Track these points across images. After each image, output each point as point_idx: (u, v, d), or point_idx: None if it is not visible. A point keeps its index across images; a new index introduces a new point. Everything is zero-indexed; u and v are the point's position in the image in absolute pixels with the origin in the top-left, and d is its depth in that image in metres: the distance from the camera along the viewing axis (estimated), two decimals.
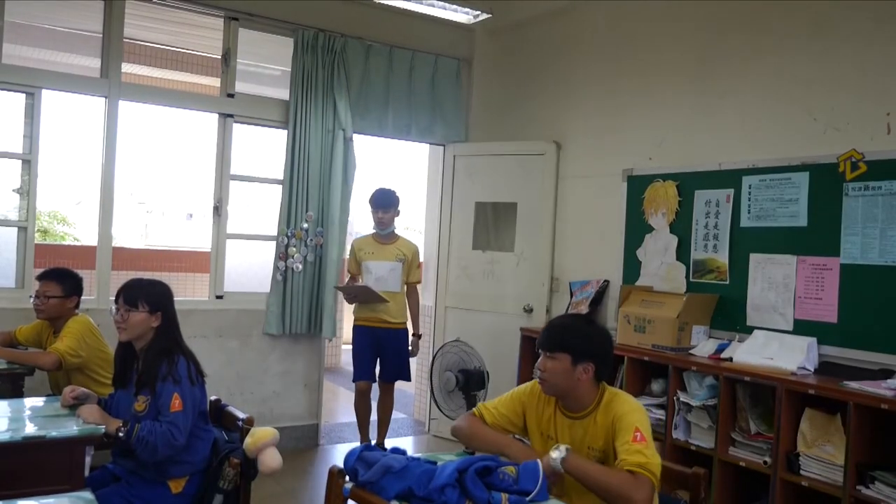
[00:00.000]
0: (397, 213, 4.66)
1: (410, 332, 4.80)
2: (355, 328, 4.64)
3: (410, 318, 4.80)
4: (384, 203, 4.61)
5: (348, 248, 5.05)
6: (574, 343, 2.18)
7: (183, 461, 2.53)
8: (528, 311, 5.00)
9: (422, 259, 6.05)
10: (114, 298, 2.60)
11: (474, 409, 2.41)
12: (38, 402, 2.75)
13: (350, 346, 4.80)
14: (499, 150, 5.31)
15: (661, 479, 2.01)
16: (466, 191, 5.43)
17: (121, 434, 2.42)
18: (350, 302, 4.68)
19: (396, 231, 4.70)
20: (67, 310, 3.48)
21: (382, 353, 4.61)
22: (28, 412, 2.61)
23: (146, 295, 2.55)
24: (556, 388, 2.20)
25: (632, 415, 2.09)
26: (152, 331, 2.56)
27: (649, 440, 2.03)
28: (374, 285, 4.49)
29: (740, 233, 3.78)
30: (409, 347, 4.72)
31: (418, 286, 4.82)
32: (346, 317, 5.67)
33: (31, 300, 3.48)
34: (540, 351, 2.25)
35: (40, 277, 3.49)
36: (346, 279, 4.86)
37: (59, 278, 3.46)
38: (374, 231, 4.67)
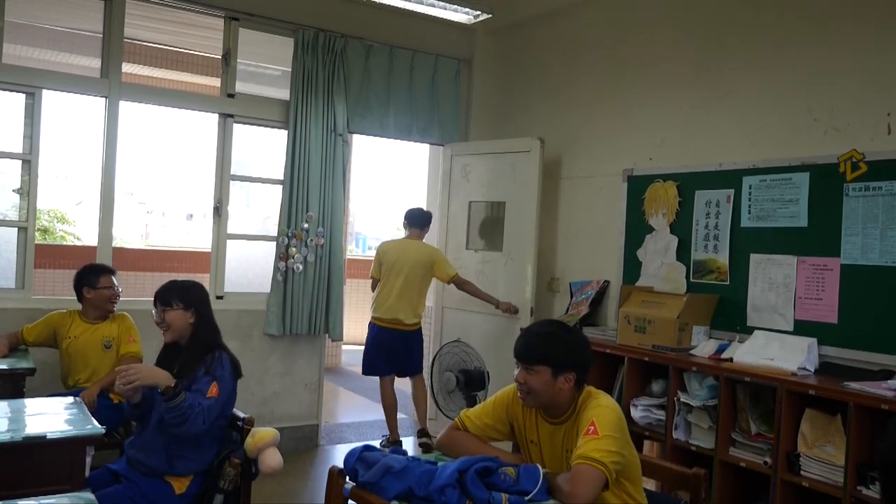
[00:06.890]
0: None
1: None
2: None
3: None
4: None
5: (347, 247, 5.08)
6: (553, 354, 2.11)
7: (191, 457, 2.55)
8: (514, 312, 4.89)
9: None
10: (153, 302, 2.71)
11: (456, 418, 2.37)
12: (38, 402, 2.75)
13: (361, 346, 4.89)
14: (488, 149, 5.29)
15: (664, 478, 2.00)
16: (461, 190, 5.42)
17: (170, 391, 2.41)
18: None
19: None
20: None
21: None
22: (28, 412, 2.61)
23: (178, 294, 2.68)
24: (538, 401, 2.15)
25: (593, 410, 2.06)
26: (190, 327, 2.66)
27: (604, 432, 1.98)
28: None
29: (740, 233, 3.78)
30: None
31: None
32: (348, 317, 5.65)
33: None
34: (518, 362, 2.18)
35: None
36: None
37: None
38: None
